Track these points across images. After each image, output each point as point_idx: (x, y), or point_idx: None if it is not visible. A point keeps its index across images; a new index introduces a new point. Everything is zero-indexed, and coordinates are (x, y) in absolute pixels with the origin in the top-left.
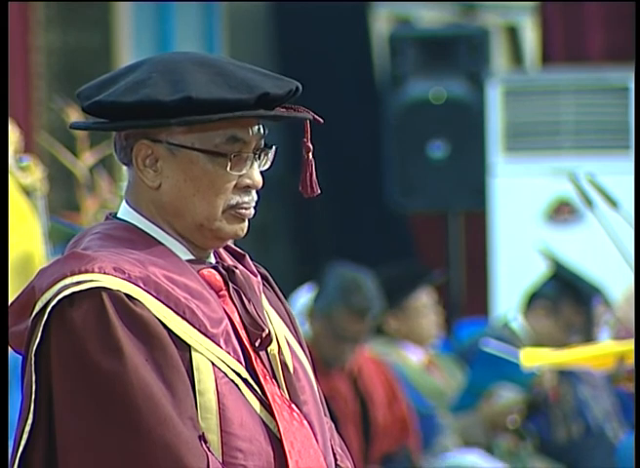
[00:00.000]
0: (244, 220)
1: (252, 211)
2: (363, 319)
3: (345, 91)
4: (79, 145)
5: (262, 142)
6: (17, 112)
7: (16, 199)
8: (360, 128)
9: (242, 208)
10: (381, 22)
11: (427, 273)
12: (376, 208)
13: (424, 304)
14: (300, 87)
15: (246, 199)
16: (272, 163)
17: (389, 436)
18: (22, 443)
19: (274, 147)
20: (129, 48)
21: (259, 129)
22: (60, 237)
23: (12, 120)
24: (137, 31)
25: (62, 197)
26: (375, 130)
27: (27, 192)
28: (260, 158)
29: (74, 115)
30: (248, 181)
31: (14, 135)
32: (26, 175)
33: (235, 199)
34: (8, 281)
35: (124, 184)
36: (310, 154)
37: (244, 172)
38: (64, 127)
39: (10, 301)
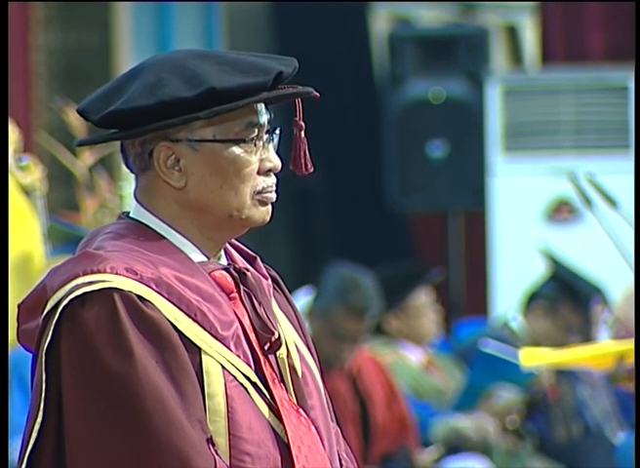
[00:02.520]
0: (268, 204)
1: (274, 194)
2: (361, 318)
3: (345, 91)
4: None
5: (269, 124)
6: (17, 112)
7: (15, 199)
8: (360, 128)
9: (267, 192)
10: (381, 22)
11: (426, 272)
12: (376, 207)
13: (424, 303)
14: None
15: (269, 182)
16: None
17: (388, 436)
18: (31, 441)
19: (279, 128)
20: (129, 48)
21: (265, 111)
22: (60, 237)
23: (12, 120)
24: (137, 31)
25: (62, 197)
26: (375, 130)
27: (27, 192)
28: (272, 140)
29: (74, 115)
30: (269, 164)
31: (14, 134)
32: (26, 174)
33: (261, 184)
34: (8, 280)
35: (124, 184)
36: (302, 132)
37: (265, 155)
38: (64, 127)
39: (9, 301)
